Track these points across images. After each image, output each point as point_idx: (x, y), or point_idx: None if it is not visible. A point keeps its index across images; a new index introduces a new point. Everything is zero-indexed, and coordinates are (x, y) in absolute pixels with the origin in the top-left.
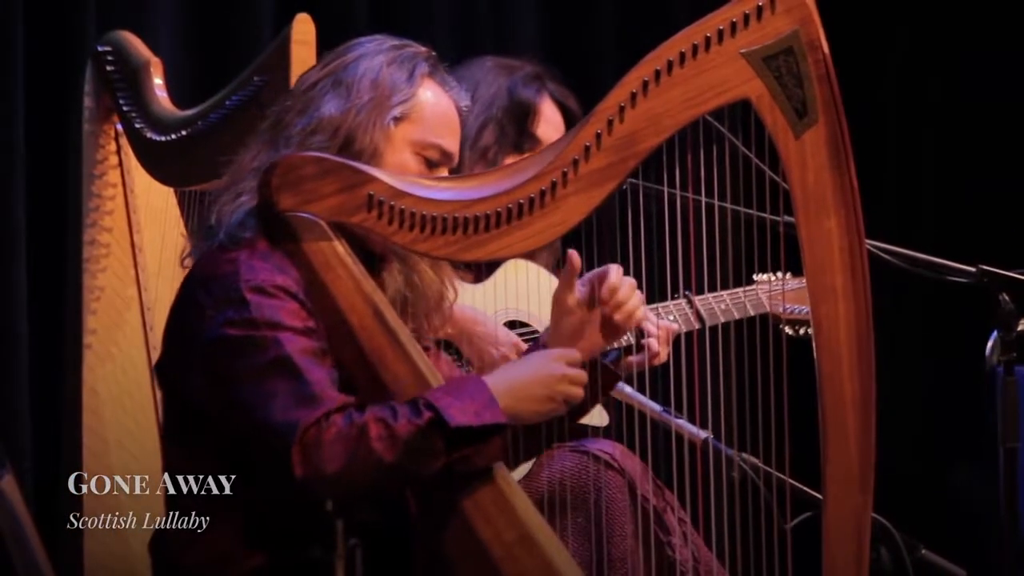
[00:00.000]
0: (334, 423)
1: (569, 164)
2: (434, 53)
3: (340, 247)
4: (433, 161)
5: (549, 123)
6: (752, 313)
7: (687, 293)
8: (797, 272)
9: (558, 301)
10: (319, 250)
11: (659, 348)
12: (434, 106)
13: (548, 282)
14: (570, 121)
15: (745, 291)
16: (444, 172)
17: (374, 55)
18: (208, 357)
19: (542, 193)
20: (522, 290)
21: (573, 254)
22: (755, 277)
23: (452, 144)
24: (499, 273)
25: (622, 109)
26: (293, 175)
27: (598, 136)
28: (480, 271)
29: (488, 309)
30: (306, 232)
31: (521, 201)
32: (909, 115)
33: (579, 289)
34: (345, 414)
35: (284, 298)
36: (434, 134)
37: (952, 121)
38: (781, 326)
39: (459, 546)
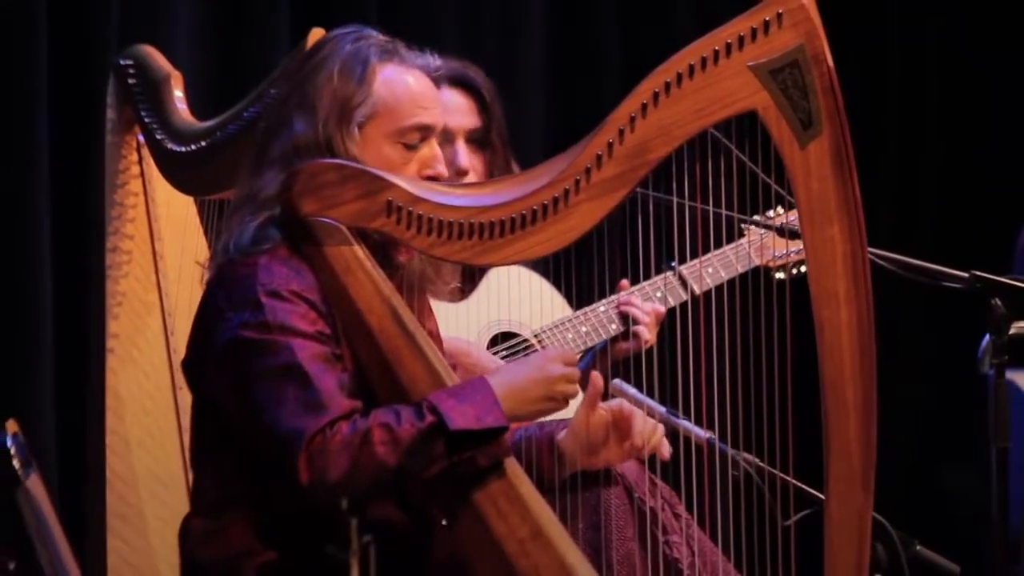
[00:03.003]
0: (339, 430)
1: (582, 172)
2: (383, 37)
3: (360, 251)
4: (413, 144)
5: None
6: (741, 270)
7: (672, 263)
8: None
9: (580, 417)
10: (339, 254)
11: (649, 335)
12: (396, 91)
13: (537, 283)
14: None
15: (732, 247)
16: (431, 144)
17: (328, 62)
18: (224, 358)
19: (555, 200)
20: (512, 298)
21: (596, 377)
22: (744, 227)
23: (428, 116)
24: (483, 284)
25: (633, 119)
26: (314, 181)
27: (610, 145)
28: (465, 285)
29: (477, 323)
30: (327, 237)
31: (535, 207)
32: (905, 123)
33: (601, 411)
34: (350, 421)
35: (298, 302)
36: (404, 118)
37: (948, 128)
38: (773, 273)
39: (473, 541)
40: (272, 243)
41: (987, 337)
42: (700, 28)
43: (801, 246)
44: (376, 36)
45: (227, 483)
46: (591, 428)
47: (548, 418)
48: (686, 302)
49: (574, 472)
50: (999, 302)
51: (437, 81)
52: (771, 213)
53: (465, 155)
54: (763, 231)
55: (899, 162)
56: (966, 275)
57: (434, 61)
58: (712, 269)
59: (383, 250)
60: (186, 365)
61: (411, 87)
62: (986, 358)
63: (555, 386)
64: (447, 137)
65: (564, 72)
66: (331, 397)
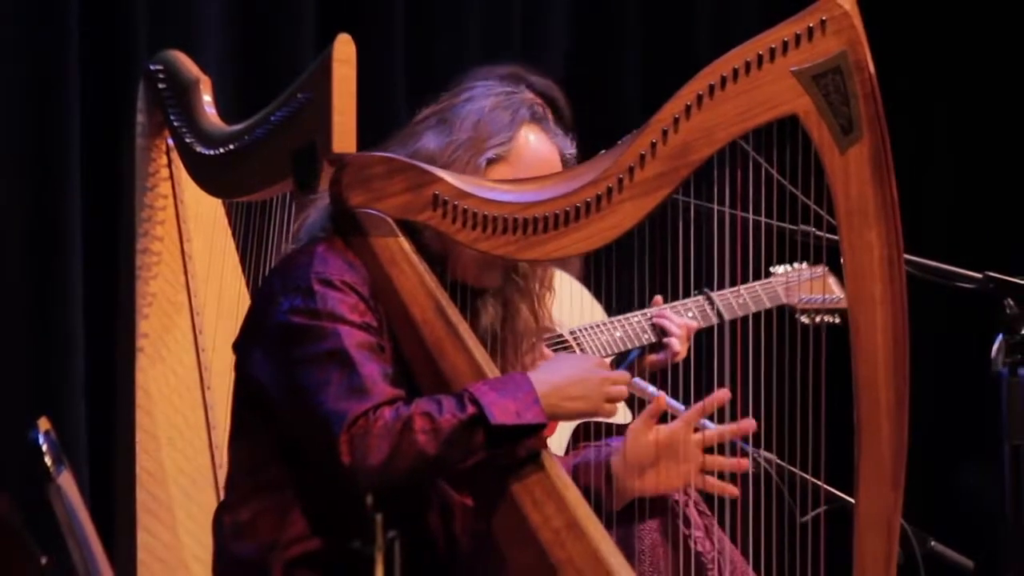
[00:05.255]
0: (381, 416)
1: (625, 171)
2: (540, 101)
3: (405, 244)
4: None
5: None
6: (769, 305)
7: (705, 289)
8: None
9: (635, 434)
10: (385, 246)
11: (680, 347)
12: (532, 152)
13: (577, 290)
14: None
15: (762, 284)
16: None
17: (481, 98)
18: (272, 340)
19: (598, 198)
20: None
21: (662, 399)
22: (772, 269)
23: None
24: None
25: (676, 120)
26: (363, 174)
27: (653, 145)
28: None
29: None
30: (374, 228)
31: (578, 205)
32: (916, 123)
33: (652, 432)
34: (393, 408)
35: (349, 293)
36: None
37: (960, 131)
38: (797, 315)
39: (508, 531)
40: (327, 232)
41: (1000, 336)
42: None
43: (827, 296)
44: (532, 95)
45: (259, 470)
46: (638, 447)
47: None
48: (714, 326)
49: (631, 502)
50: (1012, 302)
51: (565, 163)
52: (796, 265)
53: None
54: (789, 275)
55: (910, 163)
56: (980, 276)
57: (570, 146)
58: (741, 300)
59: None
60: (236, 346)
61: (543, 155)
62: (999, 357)
63: (597, 388)
64: None
65: (584, 88)
66: (375, 383)
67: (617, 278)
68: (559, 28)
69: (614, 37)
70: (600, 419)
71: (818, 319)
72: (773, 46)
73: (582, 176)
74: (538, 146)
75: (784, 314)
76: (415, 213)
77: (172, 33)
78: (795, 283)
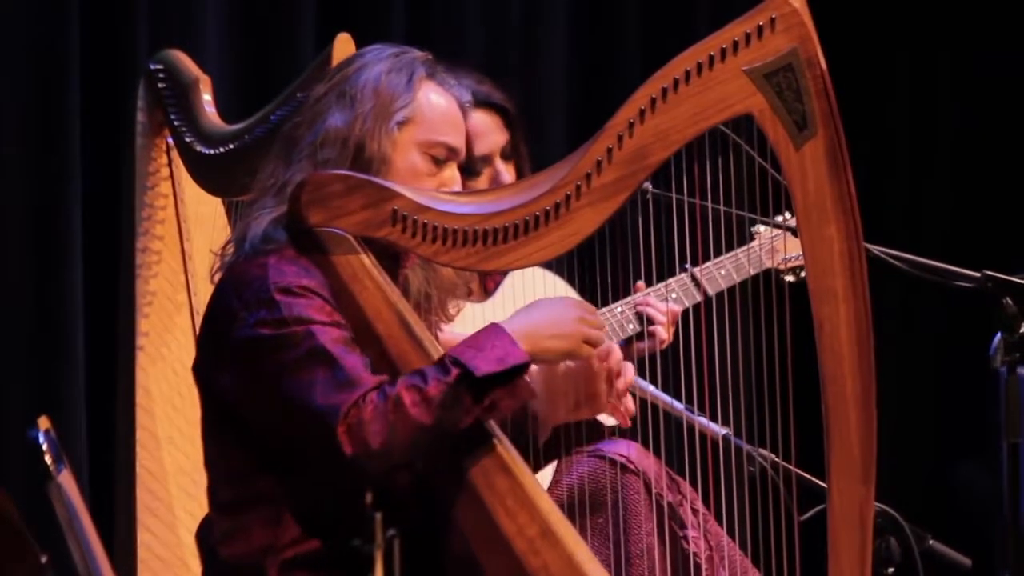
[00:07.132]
0: (370, 401)
1: (582, 178)
2: (431, 56)
3: (366, 259)
4: (440, 158)
5: None
6: (752, 272)
7: (687, 266)
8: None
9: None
10: (347, 263)
11: (665, 334)
12: (435, 106)
13: (553, 284)
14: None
15: (744, 251)
16: (453, 167)
17: (374, 65)
18: (242, 357)
19: (557, 206)
20: (531, 298)
21: None
22: (753, 230)
23: (457, 140)
24: (506, 282)
25: (631, 125)
26: (321, 192)
27: (609, 151)
28: (488, 289)
29: (499, 319)
30: (335, 246)
31: (537, 214)
32: (916, 121)
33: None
34: (379, 391)
35: (312, 297)
36: (438, 132)
37: (960, 127)
38: (782, 276)
39: (483, 541)
40: (277, 244)
41: (998, 335)
42: None
43: None
44: (419, 53)
45: (243, 484)
46: (551, 376)
47: None
48: (699, 303)
49: (555, 430)
50: (1010, 301)
51: (464, 111)
52: (780, 218)
53: (505, 172)
54: (773, 234)
55: (910, 161)
56: (978, 275)
57: (465, 94)
58: (725, 271)
59: (390, 260)
60: (197, 368)
61: (447, 108)
62: (998, 355)
63: (574, 327)
64: (486, 161)
65: (584, 88)
66: (359, 373)
67: (595, 274)
68: (559, 28)
69: (614, 37)
70: (586, 417)
71: (802, 275)
72: (724, 46)
73: (540, 185)
74: (439, 101)
75: (770, 287)
76: (375, 229)
77: (172, 33)
78: (778, 241)
